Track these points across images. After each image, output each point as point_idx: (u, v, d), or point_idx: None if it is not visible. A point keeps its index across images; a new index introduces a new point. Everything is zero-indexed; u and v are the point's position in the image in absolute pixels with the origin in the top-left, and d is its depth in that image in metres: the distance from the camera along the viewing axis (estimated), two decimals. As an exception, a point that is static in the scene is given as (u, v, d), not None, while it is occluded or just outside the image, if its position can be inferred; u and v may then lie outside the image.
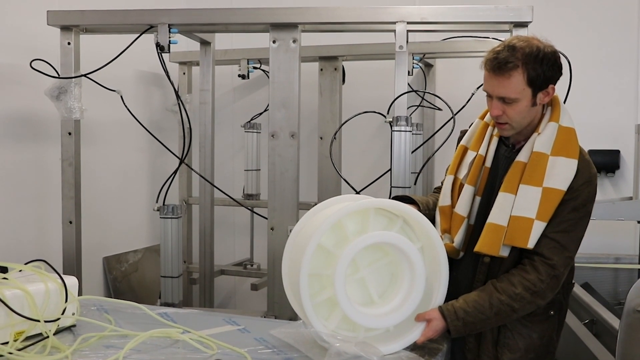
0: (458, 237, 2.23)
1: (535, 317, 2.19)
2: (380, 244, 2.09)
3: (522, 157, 2.13)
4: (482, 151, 2.26)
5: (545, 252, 2.06)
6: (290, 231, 2.33)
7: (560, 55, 2.13)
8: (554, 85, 2.10)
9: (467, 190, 2.23)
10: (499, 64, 2.03)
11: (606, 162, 4.21)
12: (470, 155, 2.28)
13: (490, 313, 2.07)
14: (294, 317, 2.56)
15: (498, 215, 2.12)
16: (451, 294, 2.15)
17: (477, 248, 2.14)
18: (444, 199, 2.30)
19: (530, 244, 2.06)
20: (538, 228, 2.06)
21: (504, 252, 2.12)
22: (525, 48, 2.03)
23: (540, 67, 2.03)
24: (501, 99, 2.09)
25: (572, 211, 2.07)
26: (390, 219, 2.15)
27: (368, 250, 2.08)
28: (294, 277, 2.06)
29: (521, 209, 2.07)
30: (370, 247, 2.07)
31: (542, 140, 2.10)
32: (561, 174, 2.06)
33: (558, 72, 2.10)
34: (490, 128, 2.27)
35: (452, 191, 2.29)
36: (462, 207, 2.24)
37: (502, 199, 2.12)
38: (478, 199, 2.25)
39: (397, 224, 2.14)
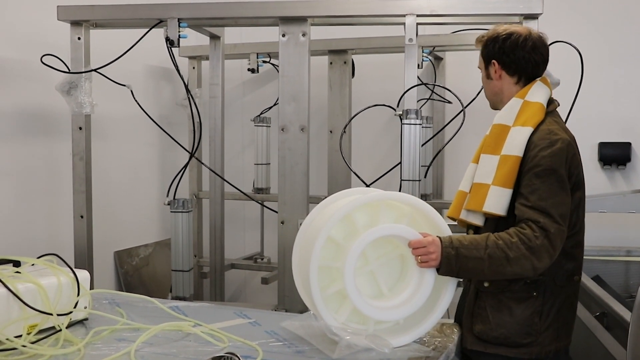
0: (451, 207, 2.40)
1: (513, 293, 2.18)
2: (390, 237, 2.09)
3: (488, 130, 2.31)
4: None
5: (532, 217, 2.07)
6: (301, 225, 2.33)
7: (530, 44, 2.26)
8: (498, 62, 2.29)
9: (470, 168, 2.36)
10: (477, 39, 2.40)
11: (617, 154, 4.18)
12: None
13: (484, 253, 2.06)
14: (304, 310, 2.55)
15: (463, 183, 2.34)
16: None
17: (447, 213, 2.38)
18: None
19: (487, 207, 2.16)
20: (496, 193, 2.15)
21: (472, 219, 2.24)
22: (498, 29, 2.32)
23: (488, 43, 2.32)
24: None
25: (537, 178, 2.10)
26: (400, 211, 2.15)
27: (378, 243, 2.09)
28: (304, 269, 2.06)
29: (480, 176, 2.23)
30: (380, 240, 2.08)
31: (501, 113, 2.28)
32: (514, 141, 2.18)
33: (499, 52, 2.28)
34: None
35: None
36: (463, 182, 2.37)
37: (469, 169, 2.34)
38: None
39: (406, 217, 2.14)
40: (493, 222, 2.19)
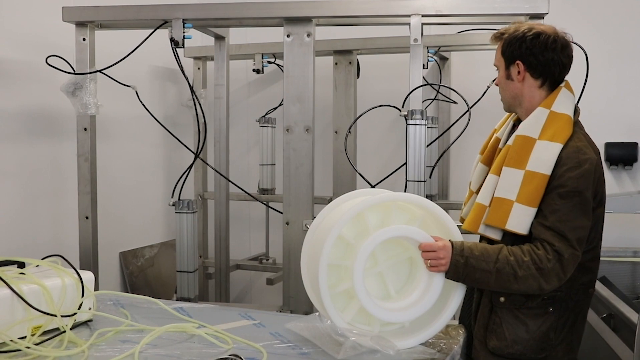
0: (466, 208, 2.33)
1: (529, 310, 2.14)
2: (401, 238, 2.08)
3: (510, 140, 2.19)
4: (500, 133, 2.33)
5: (548, 239, 2.04)
6: (306, 225, 2.34)
7: (559, 45, 2.16)
8: (524, 63, 2.17)
9: (479, 168, 2.32)
10: (494, 36, 2.26)
11: (624, 154, 4.16)
12: (493, 137, 2.36)
13: (493, 267, 2.03)
14: (309, 311, 2.55)
15: (483, 195, 2.21)
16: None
17: (463, 226, 2.24)
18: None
19: (510, 225, 2.09)
20: (521, 211, 2.08)
21: (490, 233, 2.16)
22: (520, 27, 2.20)
23: (512, 42, 2.18)
24: (496, 67, 2.30)
25: (560, 198, 2.04)
26: (412, 214, 2.14)
27: (388, 244, 2.08)
28: (314, 266, 2.05)
29: (502, 191, 2.13)
30: (391, 241, 2.07)
31: (525, 124, 2.16)
32: (542, 157, 2.08)
33: (526, 53, 2.16)
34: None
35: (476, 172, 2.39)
36: (473, 182, 2.33)
37: (489, 180, 2.21)
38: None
39: (418, 220, 2.13)
40: (511, 237, 2.13)
